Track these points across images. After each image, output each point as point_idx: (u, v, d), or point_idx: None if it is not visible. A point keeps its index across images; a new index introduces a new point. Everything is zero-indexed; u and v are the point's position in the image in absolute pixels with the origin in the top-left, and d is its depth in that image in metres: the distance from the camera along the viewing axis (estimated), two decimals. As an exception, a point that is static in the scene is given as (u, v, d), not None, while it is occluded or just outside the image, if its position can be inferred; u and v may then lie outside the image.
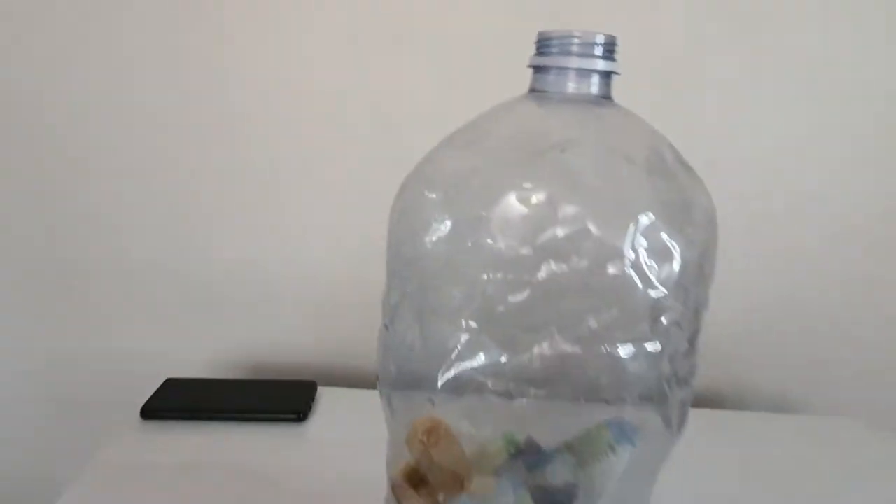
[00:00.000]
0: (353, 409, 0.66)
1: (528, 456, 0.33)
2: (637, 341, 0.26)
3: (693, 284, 0.26)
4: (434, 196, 0.35)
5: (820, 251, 0.74)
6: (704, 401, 0.78)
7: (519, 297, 0.30)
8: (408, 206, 0.33)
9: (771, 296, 0.75)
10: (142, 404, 0.62)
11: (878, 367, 0.78)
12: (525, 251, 0.27)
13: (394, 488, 0.33)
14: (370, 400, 0.68)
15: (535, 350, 0.30)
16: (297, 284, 0.74)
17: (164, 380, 0.67)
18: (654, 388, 0.28)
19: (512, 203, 0.27)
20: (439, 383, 0.34)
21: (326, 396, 0.68)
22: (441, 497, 0.32)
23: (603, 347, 0.26)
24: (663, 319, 0.26)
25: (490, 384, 0.33)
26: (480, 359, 0.34)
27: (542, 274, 0.26)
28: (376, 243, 0.72)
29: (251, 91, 0.69)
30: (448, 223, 0.34)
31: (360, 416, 0.63)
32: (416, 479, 0.32)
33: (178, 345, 0.76)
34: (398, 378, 0.35)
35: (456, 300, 0.35)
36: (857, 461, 0.66)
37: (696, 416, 0.77)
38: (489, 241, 0.29)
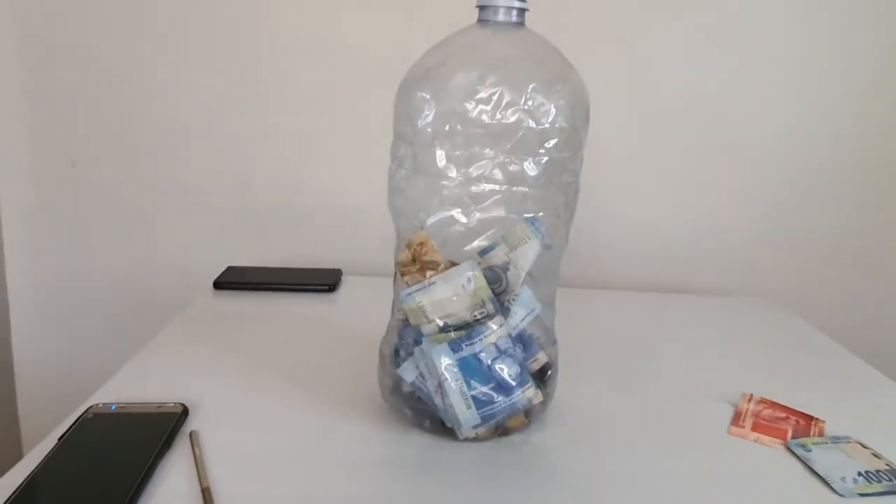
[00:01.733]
0: (366, 286, 0.87)
1: (483, 251, 0.53)
2: (533, 158, 0.46)
3: (567, 125, 0.46)
4: (425, 95, 0.55)
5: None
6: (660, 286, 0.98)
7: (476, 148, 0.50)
8: (405, 97, 0.52)
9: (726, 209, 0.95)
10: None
11: (798, 261, 0.97)
12: (477, 114, 0.46)
13: (398, 265, 0.53)
14: (379, 283, 0.89)
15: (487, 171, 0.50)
16: (325, 207, 0.95)
17: (225, 267, 0.88)
18: (554, 193, 0.48)
19: (465, 83, 0.47)
20: (427, 223, 0.54)
21: (349, 279, 0.89)
22: (428, 275, 0.52)
23: (516, 163, 0.46)
24: (547, 144, 0.46)
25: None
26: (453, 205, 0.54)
27: (486, 123, 0.46)
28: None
29: (286, 59, 0.89)
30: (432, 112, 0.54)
31: (372, 291, 0.84)
32: (412, 263, 0.53)
33: (234, 256, 0.97)
34: (403, 209, 0.55)
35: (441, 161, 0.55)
36: (763, 335, 0.86)
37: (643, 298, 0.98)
38: (457, 110, 0.49)
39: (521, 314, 0.53)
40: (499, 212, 0.51)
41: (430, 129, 0.49)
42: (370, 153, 0.85)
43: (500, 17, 0.49)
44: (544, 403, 0.55)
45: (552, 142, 0.47)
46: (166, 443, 0.48)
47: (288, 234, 0.95)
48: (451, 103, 0.47)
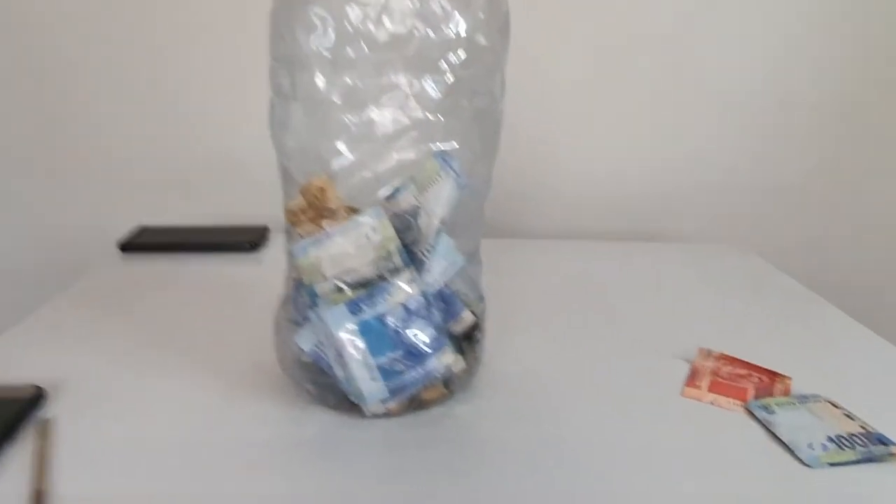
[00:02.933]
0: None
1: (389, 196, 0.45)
2: (435, 75, 0.37)
3: (477, 36, 0.37)
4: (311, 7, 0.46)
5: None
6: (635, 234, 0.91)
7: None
8: (282, 10, 0.43)
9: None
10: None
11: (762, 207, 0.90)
12: (362, 22, 0.38)
13: (289, 213, 0.44)
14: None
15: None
16: (254, 159, 0.85)
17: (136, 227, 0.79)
18: (466, 122, 0.40)
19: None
20: (334, 168, 0.46)
21: (278, 237, 0.80)
22: (326, 224, 0.44)
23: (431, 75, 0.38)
24: (452, 57, 0.37)
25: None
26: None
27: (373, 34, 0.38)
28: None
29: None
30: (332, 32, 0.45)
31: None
32: (305, 211, 0.44)
33: (150, 216, 0.87)
34: (292, 149, 0.46)
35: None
36: (731, 280, 0.79)
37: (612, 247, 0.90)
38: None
39: (439, 268, 0.45)
40: (409, 153, 0.43)
41: (313, 48, 0.40)
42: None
43: None
44: (470, 370, 0.47)
45: (456, 55, 0.38)
46: (8, 434, 0.40)
47: (211, 190, 0.86)
48: (337, 13, 0.38)
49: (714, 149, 0.88)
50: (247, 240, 0.75)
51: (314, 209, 0.45)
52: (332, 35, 0.39)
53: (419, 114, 0.41)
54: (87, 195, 0.86)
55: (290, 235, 0.45)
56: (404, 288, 0.43)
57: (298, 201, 0.45)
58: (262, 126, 0.85)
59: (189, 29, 0.80)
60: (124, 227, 0.82)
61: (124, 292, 0.64)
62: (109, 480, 0.38)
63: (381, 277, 0.43)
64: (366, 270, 0.43)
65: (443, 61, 0.38)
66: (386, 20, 0.37)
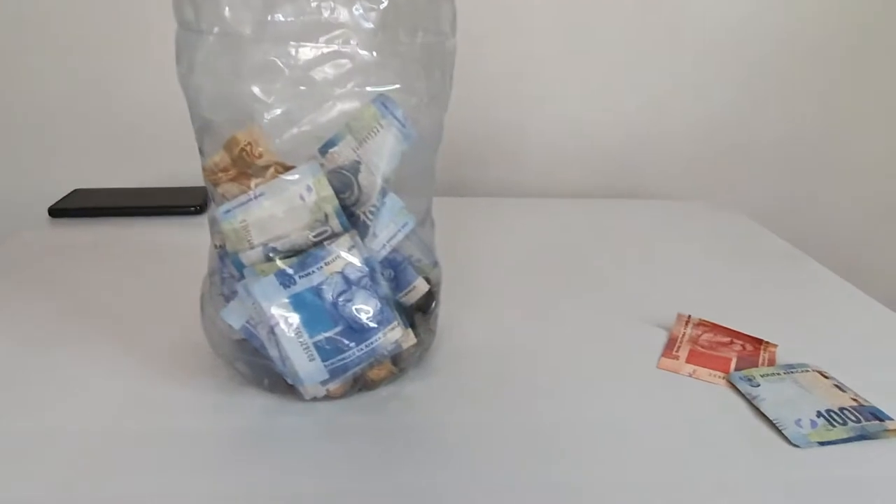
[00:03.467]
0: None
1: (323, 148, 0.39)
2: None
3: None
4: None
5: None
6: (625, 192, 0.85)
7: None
8: None
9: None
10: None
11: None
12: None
13: (208, 172, 0.39)
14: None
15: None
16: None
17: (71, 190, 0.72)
18: (407, 61, 0.34)
19: None
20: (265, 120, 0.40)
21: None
22: (253, 183, 0.38)
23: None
24: None
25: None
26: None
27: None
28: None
29: None
30: None
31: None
32: (228, 169, 0.39)
33: (90, 175, 0.80)
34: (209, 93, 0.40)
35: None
36: (707, 237, 0.74)
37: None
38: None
39: (386, 232, 0.40)
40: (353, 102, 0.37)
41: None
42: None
43: None
44: (422, 345, 0.42)
45: None
46: None
47: (154, 149, 0.79)
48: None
49: (696, 101, 0.82)
50: (191, 203, 0.69)
51: (238, 166, 0.39)
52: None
53: (349, 50, 0.34)
54: (14, 158, 0.78)
55: (211, 197, 0.39)
56: (343, 255, 0.37)
57: (219, 157, 0.39)
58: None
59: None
60: (59, 193, 0.75)
61: (47, 261, 0.58)
62: (9, 481, 0.33)
63: (315, 243, 0.37)
64: (298, 236, 0.37)
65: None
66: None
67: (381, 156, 0.38)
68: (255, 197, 0.38)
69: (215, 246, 0.40)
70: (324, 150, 0.38)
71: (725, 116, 0.83)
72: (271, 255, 0.37)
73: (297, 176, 0.38)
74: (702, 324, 0.49)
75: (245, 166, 0.39)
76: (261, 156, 0.40)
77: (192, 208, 0.68)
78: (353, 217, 0.39)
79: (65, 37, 0.74)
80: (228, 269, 0.39)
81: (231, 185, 0.39)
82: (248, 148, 0.40)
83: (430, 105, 0.38)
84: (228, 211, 0.38)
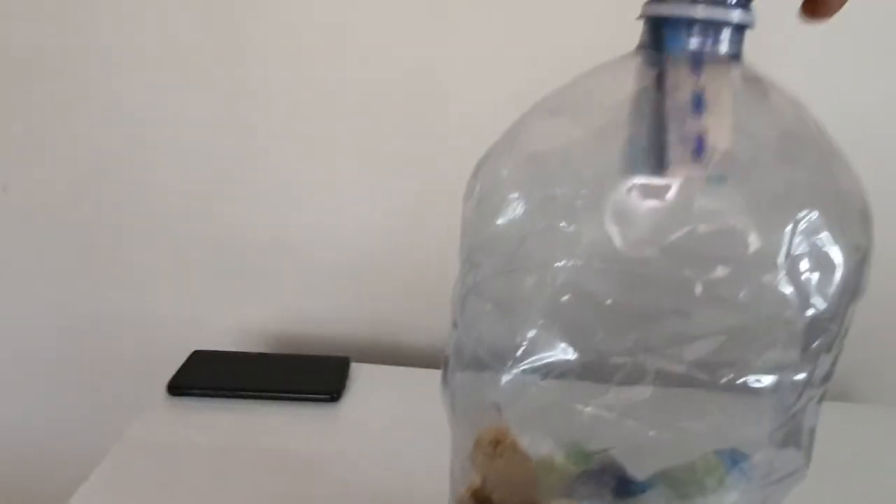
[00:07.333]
0: (388, 387, 0.62)
1: (609, 477, 0.29)
2: (783, 370, 0.21)
3: (851, 298, 0.21)
4: (507, 173, 0.30)
5: None
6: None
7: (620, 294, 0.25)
8: (483, 186, 0.28)
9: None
10: (169, 377, 0.58)
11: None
12: (646, 251, 0.21)
13: None
14: (407, 378, 0.64)
15: (637, 368, 0.26)
16: (330, 255, 0.70)
17: (191, 352, 0.63)
18: (790, 423, 0.23)
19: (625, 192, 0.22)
20: (502, 382, 0.30)
21: (360, 373, 0.64)
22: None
23: (736, 377, 0.21)
24: (816, 343, 0.21)
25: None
26: (551, 355, 0.29)
27: (660, 274, 0.21)
28: (413, 212, 0.67)
29: (280, 56, 0.63)
30: (522, 204, 0.29)
31: (397, 395, 0.59)
32: (482, 501, 0.28)
33: (209, 313, 0.72)
34: (464, 380, 0.30)
35: (527, 290, 0.31)
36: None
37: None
38: (589, 228, 0.24)
39: None
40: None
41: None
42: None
43: (694, 42, 0.24)
44: None
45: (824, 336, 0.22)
46: None
47: (277, 292, 0.71)
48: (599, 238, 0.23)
49: None
50: (324, 386, 0.59)
51: (491, 482, 0.29)
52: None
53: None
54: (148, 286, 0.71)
55: None
56: None
57: (468, 487, 0.28)
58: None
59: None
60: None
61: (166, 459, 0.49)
62: None
63: None
64: None
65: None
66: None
67: (710, 521, 0.27)
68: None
69: None
70: (621, 493, 0.27)
71: None
72: None
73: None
74: None
75: (494, 484, 0.29)
76: (503, 456, 0.29)
77: (328, 396, 0.58)
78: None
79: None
80: None
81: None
82: (489, 450, 0.30)
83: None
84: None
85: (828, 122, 0.24)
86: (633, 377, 0.23)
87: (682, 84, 0.24)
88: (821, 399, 0.24)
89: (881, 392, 0.69)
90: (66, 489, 0.46)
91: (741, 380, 0.21)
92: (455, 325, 0.30)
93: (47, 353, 0.75)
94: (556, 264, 0.30)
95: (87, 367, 0.75)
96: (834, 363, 0.23)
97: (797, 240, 0.19)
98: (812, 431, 0.25)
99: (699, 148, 0.23)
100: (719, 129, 0.23)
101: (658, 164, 0.24)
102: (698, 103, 0.24)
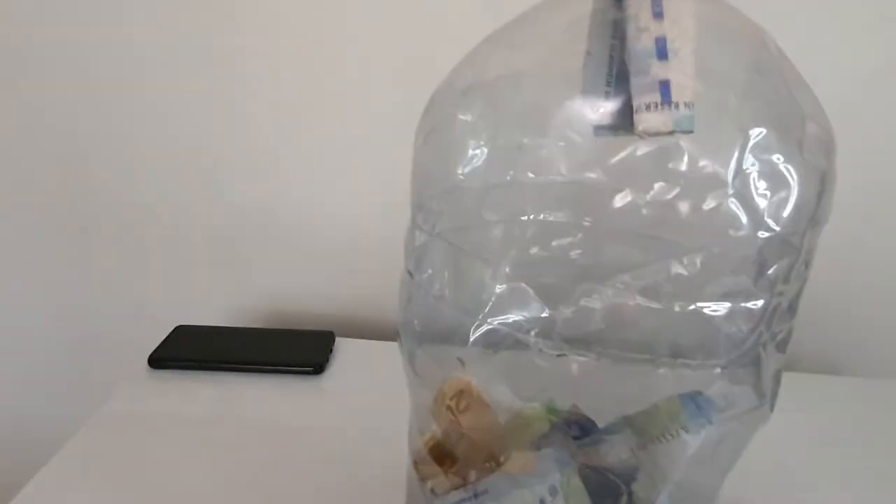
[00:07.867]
0: (372, 361, 0.60)
1: (575, 428, 0.28)
2: (735, 297, 0.20)
3: (809, 224, 0.20)
4: (468, 118, 0.29)
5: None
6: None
7: (573, 238, 0.25)
8: (437, 126, 0.27)
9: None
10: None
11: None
12: (591, 175, 0.21)
13: (416, 464, 0.28)
14: (390, 352, 0.63)
15: (590, 303, 0.25)
16: (314, 231, 0.69)
17: (174, 327, 0.63)
18: (746, 356, 0.22)
19: (573, 110, 0.21)
20: (471, 339, 0.29)
21: (344, 348, 0.63)
22: (472, 475, 0.27)
23: (687, 304, 0.20)
24: (771, 270, 0.20)
25: (531, 342, 0.28)
26: (520, 312, 0.29)
27: (612, 206, 0.20)
28: (399, 188, 0.66)
29: (265, 32, 0.62)
30: (485, 150, 0.28)
31: (380, 369, 0.58)
32: (442, 453, 0.27)
33: (193, 292, 0.72)
34: (423, 333, 0.29)
35: (494, 242, 0.30)
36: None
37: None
38: (536, 168, 0.23)
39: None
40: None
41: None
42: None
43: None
44: None
45: (780, 262, 0.21)
46: None
47: (261, 269, 0.70)
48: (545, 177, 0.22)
49: None
50: (308, 359, 0.58)
51: (453, 436, 0.28)
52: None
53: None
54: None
55: (420, 491, 0.28)
56: None
57: (428, 439, 0.28)
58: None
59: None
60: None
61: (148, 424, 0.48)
62: None
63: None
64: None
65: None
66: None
67: (672, 466, 0.26)
68: (475, 497, 0.26)
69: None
70: (583, 441, 0.27)
71: None
72: None
73: (539, 473, 0.26)
74: None
75: (456, 438, 0.28)
76: (467, 410, 0.29)
77: (312, 368, 0.58)
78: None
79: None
80: None
81: (441, 479, 0.27)
82: (452, 403, 0.29)
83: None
84: (436, 512, 0.27)
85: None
86: (585, 313, 0.22)
87: (643, 30, 0.23)
88: (783, 342, 0.23)
89: (868, 365, 0.68)
90: (44, 461, 0.46)
91: (692, 307, 0.20)
92: (410, 273, 0.29)
93: (33, 330, 0.75)
94: (522, 217, 0.29)
95: (73, 344, 0.75)
96: (796, 297, 0.22)
97: (747, 158, 0.18)
98: (777, 377, 0.24)
99: (665, 96, 0.22)
100: (684, 74, 0.22)
101: (623, 115, 0.23)
102: (662, 49, 0.23)
